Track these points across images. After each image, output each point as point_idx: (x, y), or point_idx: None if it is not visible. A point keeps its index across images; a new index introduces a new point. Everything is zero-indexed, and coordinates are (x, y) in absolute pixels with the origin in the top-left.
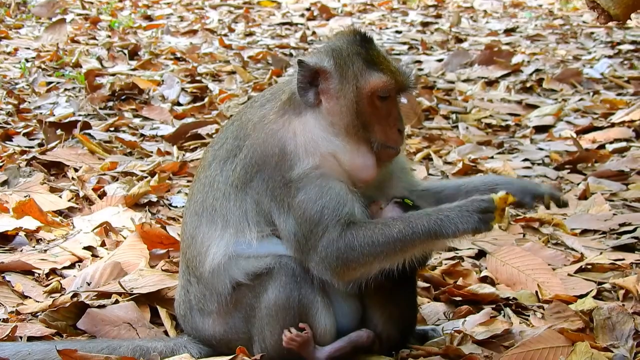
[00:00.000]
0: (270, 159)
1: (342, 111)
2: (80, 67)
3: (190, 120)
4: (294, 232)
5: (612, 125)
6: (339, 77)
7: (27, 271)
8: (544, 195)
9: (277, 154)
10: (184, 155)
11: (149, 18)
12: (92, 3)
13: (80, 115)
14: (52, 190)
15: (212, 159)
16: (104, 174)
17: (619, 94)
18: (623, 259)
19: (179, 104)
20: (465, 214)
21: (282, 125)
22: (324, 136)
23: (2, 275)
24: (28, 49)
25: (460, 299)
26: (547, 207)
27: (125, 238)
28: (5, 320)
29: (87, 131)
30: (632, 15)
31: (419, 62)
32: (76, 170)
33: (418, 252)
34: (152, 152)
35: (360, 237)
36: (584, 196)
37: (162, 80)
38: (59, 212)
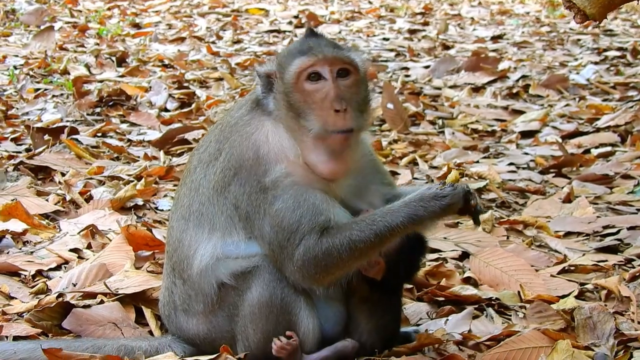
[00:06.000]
0: (246, 162)
1: (281, 107)
2: (69, 73)
3: (177, 125)
4: (268, 241)
5: (598, 130)
6: (279, 76)
7: (13, 273)
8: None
9: (252, 157)
10: (170, 159)
11: (137, 26)
12: (80, 11)
13: (67, 120)
14: (39, 194)
15: (197, 163)
16: (91, 178)
17: (604, 100)
18: (606, 260)
19: (166, 110)
20: (430, 201)
21: (255, 128)
22: (288, 140)
23: None
24: (16, 56)
25: (443, 299)
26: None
27: (111, 240)
28: None
29: (74, 136)
30: (619, 22)
31: (406, 68)
32: (63, 174)
33: (392, 244)
34: (139, 157)
35: (337, 243)
36: (568, 199)
37: (150, 87)
38: (46, 215)
